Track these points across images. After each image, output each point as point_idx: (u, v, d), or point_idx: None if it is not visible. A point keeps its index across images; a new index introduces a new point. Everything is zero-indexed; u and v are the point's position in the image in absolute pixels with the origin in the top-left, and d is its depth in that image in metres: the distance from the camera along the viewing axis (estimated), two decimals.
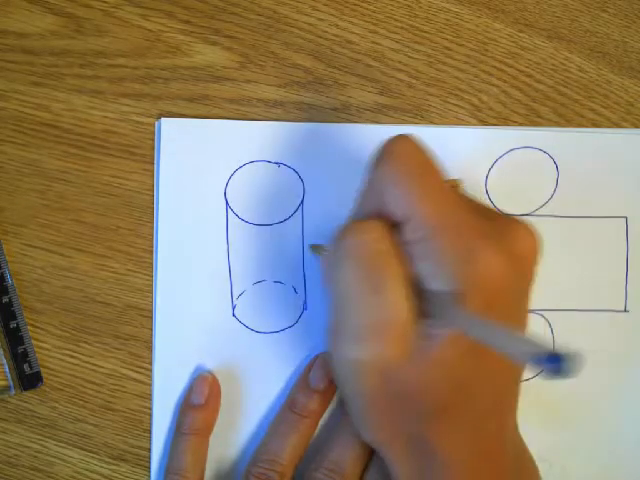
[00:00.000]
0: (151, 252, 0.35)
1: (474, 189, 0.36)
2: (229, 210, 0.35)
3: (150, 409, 0.35)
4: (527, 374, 0.34)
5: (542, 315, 0.36)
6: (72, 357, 0.35)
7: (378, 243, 0.27)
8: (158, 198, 0.35)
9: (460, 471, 0.28)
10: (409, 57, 0.37)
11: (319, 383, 0.33)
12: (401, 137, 0.28)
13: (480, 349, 0.26)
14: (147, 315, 0.35)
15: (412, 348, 0.27)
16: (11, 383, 0.34)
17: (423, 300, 0.27)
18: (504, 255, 0.27)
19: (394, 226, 0.28)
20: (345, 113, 0.37)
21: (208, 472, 0.34)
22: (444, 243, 0.26)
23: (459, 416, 0.28)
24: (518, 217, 0.30)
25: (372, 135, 0.36)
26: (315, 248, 0.35)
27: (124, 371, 0.35)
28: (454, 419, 0.28)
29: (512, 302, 0.28)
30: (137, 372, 0.35)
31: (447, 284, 0.26)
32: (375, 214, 0.28)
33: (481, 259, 0.26)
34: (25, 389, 0.34)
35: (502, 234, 0.27)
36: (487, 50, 0.37)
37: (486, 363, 0.28)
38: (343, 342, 0.28)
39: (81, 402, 0.35)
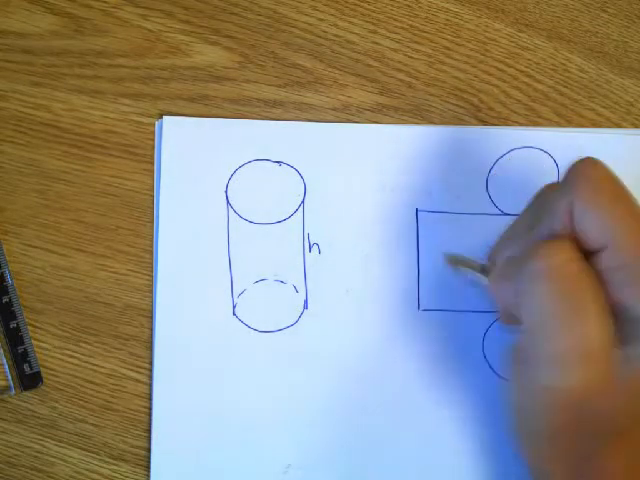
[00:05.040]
0: (151, 252, 0.35)
1: (475, 189, 0.36)
2: (230, 209, 0.35)
3: (150, 409, 0.34)
4: None
5: None
6: (72, 357, 0.35)
7: (575, 264, 0.27)
8: (159, 197, 0.35)
9: None
10: (409, 57, 0.37)
11: None
12: (594, 161, 0.28)
13: None
14: (147, 315, 0.35)
15: (611, 374, 0.26)
16: (11, 383, 0.34)
17: (618, 325, 0.27)
18: None
19: (583, 252, 0.27)
20: (345, 113, 0.37)
21: (209, 473, 0.34)
22: None
23: (632, 440, 0.27)
24: None
25: (372, 135, 0.36)
26: (456, 261, 0.34)
27: (124, 371, 0.35)
28: (627, 443, 0.27)
29: None
30: (137, 372, 0.35)
31: None
32: (556, 237, 0.28)
33: None
34: (25, 389, 0.34)
35: None
36: (487, 50, 0.37)
37: None
38: (537, 367, 0.27)
39: (81, 402, 0.34)
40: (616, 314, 0.27)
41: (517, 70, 0.37)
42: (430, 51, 0.37)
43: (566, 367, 0.26)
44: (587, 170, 0.28)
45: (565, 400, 0.27)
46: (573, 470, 0.28)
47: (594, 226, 0.27)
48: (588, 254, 0.27)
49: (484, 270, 0.32)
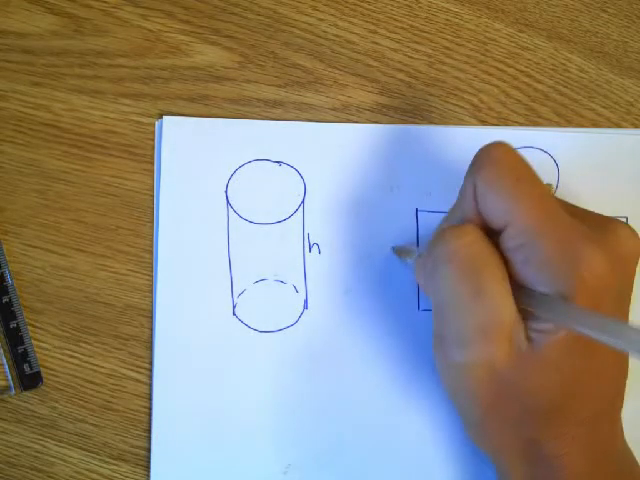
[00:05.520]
0: (151, 252, 0.35)
1: None
2: (230, 209, 0.35)
3: (150, 409, 0.34)
4: None
5: None
6: (72, 357, 0.35)
7: (477, 245, 0.27)
8: (159, 197, 0.35)
9: (576, 476, 0.28)
10: (409, 57, 0.37)
11: None
12: (498, 144, 0.28)
13: (588, 348, 0.27)
14: (147, 315, 0.35)
15: (519, 349, 0.27)
16: (11, 383, 0.34)
17: (525, 302, 0.27)
18: (607, 256, 0.26)
19: (491, 233, 0.28)
20: (345, 113, 0.37)
21: (209, 473, 0.34)
22: (547, 248, 0.26)
23: (573, 418, 0.28)
24: (616, 218, 0.29)
25: (372, 135, 0.36)
26: (399, 251, 0.35)
27: (124, 371, 0.35)
28: (568, 421, 0.28)
29: (615, 302, 0.28)
30: (137, 372, 0.35)
31: (552, 286, 0.26)
32: (470, 221, 0.28)
33: (586, 260, 0.26)
34: (25, 389, 0.34)
35: (603, 235, 0.27)
36: (487, 50, 0.37)
37: (595, 362, 0.28)
38: (448, 347, 0.28)
39: (81, 402, 0.34)
40: (524, 291, 0.27)
41: (517, 70, 0.37)
42: (430, 51, 0.37)
43: (471, 344, 0.27)
44: (490, 153, 0.28)
45: (478, 376, 0.28)
46: (523, 454, 0.28)
47: (494, 207, 0.27)
48: (495, 234, 0.28)
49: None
